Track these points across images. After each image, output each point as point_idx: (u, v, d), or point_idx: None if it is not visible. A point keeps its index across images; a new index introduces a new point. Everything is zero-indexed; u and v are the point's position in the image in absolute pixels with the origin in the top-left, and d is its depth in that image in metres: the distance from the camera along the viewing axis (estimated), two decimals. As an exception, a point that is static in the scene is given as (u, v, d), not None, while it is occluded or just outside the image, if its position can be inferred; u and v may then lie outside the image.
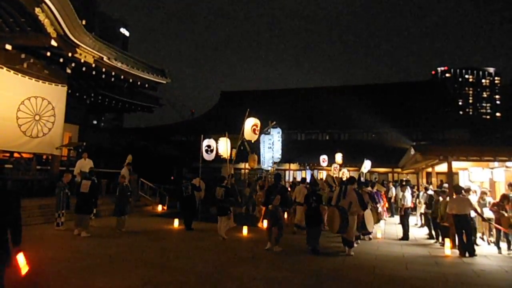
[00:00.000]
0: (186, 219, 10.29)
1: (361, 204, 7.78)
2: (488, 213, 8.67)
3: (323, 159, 20.13)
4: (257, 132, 11.00)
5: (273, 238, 7.84)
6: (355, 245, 8.20)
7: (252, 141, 11.18)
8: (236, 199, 10.65)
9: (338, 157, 20.02)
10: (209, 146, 12.27)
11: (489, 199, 9.25)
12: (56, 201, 9.22)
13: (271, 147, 11.60)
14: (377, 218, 10.29)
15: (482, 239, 8.99)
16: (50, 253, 6.69)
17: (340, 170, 19.38)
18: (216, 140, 12.25)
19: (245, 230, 9.63)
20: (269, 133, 11.67)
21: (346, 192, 7.79)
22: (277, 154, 12.34)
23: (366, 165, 18.98)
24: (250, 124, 10.78)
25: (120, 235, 8.89)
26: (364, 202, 7.97)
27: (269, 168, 12.10)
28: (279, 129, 12.26)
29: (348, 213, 7.54)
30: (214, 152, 12.25)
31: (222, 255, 7.22)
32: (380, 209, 11.22)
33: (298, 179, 22.97)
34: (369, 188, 10.82)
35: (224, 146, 11.67)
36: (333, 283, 5.63)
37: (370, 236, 9.55)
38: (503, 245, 8.09)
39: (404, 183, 11.58)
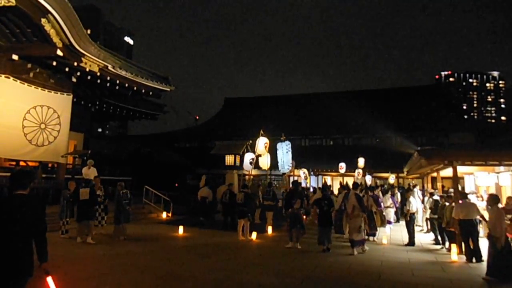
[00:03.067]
0: (230, 222, 11.46)
1: (361, 207, 8.28)
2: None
3: (341, 166, 20.63)
4: (267, 148, 12.99)
5: (294, 237, 8.63)
6: (362, 250, 8.33)
7: (262, 156, 13.06)
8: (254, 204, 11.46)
9: (361, 161, 20.29)
10: (252, 159, 13.72)
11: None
12: (60, 209, 9.29)
13: (288, 151, 13.46)
14: (381, 221, 10.53)
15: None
16: (54, 261, 6.69)
17: (364, 175, 19.68)
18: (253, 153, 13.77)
19: (254, 234, 9.72)
20: (284, 141, 13.56)
21: (349, 197, 8.53)
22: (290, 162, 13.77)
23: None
24: (263, 142, 12.83)
25: (125, 243, 8.89)
26: (363, 205, 8.43)
27: (287, 171, 13.64)
28: (288, 142, 14.14)
29: (350, 216, 8.34)
30: (254, 163, 13.69)
31: (231, 261, 7.22)
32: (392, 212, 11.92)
33: (303, 185, 22.90)
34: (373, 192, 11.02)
35: (265, 160, 13.31)
36: (338, 289, 5.61)
37: (375, 238, 9.86)
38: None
39: (409, 187, 11.58)
